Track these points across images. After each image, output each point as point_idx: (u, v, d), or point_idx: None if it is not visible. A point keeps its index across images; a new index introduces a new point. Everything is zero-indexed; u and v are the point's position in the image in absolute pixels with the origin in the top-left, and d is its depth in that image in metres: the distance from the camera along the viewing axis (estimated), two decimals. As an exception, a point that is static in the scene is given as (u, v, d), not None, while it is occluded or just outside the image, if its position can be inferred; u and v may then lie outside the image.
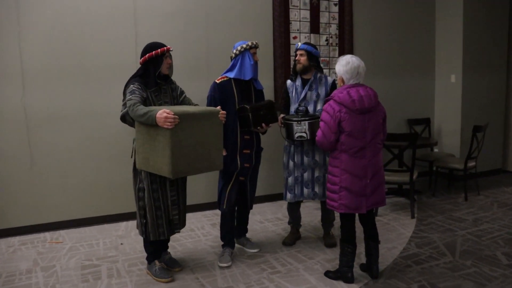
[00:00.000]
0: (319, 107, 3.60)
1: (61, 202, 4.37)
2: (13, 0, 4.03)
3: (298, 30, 5.20)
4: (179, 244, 3.87)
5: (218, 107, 3.09)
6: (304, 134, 3.41)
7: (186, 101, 3.23)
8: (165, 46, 3.00)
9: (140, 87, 2.90)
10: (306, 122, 3.39)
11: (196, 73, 4.70)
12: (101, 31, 4.34)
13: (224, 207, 3.45)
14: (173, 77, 4.57)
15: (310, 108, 3.60)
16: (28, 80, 4.15)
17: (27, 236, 4.18)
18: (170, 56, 3.07)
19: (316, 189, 3.63)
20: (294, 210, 3.83)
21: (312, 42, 5.27)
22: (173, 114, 2.65)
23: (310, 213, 4.71)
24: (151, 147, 2.79)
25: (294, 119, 3.42)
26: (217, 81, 3.43)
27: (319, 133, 2.95)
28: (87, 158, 4.39)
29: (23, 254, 3.75)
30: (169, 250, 3.45)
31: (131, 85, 2.90)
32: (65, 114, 4.28)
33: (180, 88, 3.25)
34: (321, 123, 2.94)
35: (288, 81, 3.78)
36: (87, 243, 3.96)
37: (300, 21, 5.20)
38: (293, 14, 5.15)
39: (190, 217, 4.66)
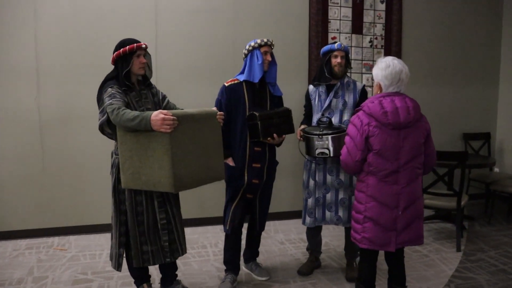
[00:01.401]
0: (345, 117, 3.10)
1: (72, 206, 4.17)
2: (30, -5, 3.89)
3: (337, 30, 4.68)
4: (184, 262, 3.51)
5: (214, 108, 2.68)
6: (326, 151, 2.92)
7: (170, 107, 2.82)
8: (138, 42, 2.60)
9: (120, 91, 2.52)
10: (329, 137, 2.89)
11: (221, 75, 4.29)
12: (118, 30, 4.06)
13: (227, 227, 3.04)
14: (197, 78, 4.23)
15: (335, 119, 3.11)
16: (43, 79, 3.98)
17: (36, 240, 4.02)
18: (146, 54, 2.67)
19: (340, 213, 3.13)
20: (313, 236, 3.34)
21: (353, 43, 4.73)
22: (171, 115, 2.27)
23: (339, 236, 4.17)
24: (142, 159, 2.39)
25: (315, 132, 2.94)
26: (226, 84, 3.04)
27: (343, 150, 2.45)
28: (100, 161, 4.14)
29: (24, 260, 3.57)
30: (177, 272, 2.95)
31: (109, 88, 2.51)
32: (78, 115, 4.08)
33: (162, 93, 2.85)
34: (347, 138, 2.44)
35: (310, 87, 3.30)
36: (90, 253, 3.71)
37: (340, 19, 4.67)
38: (333, 12, 4.64)
39: (207, 230, 4.31)
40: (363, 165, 2.39)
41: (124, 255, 2.69)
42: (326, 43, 4.63)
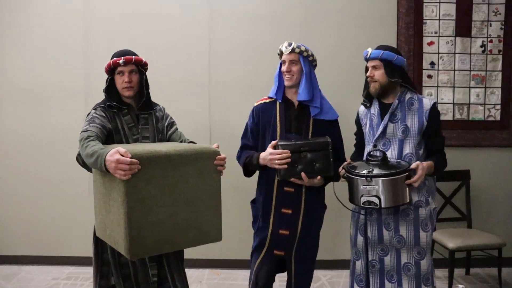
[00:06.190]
0: (407, 150, 2.21)
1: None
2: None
3: (436, 32, 3.66)
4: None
5: (215, 145, 2.01)
6: (375, 199, 2.06)
7: (175, 137, 2.24)
8: (125, 55, 2.08)
9: (105, 114, 2.06)
10: (380, 180, 2.04)
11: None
12: (168, 39, 3.68)
13: (249, 290, 2.36)
14: (258, 96, 3.12)
15: (392, 152, 2.24)
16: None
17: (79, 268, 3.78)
18: (136, 70, 2.13)
19: (405, 285, 2.22)
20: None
21: (458, 49, 3.65)
22: (130, 156, 1.70)
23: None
24: (106, 207, 1.88)
25: (361, 172, 2.10)
26: (255, 104, 2.42)
27: None
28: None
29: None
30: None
31: (93, 110, 2.08)
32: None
33: (170, 118, 2.29)
34: None
35: (361, 108, 2.46)
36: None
37: (439, 19, 3.65)
38: (429, 11, 3.65)
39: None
40: None
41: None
42: (421, 51, 3.67)
